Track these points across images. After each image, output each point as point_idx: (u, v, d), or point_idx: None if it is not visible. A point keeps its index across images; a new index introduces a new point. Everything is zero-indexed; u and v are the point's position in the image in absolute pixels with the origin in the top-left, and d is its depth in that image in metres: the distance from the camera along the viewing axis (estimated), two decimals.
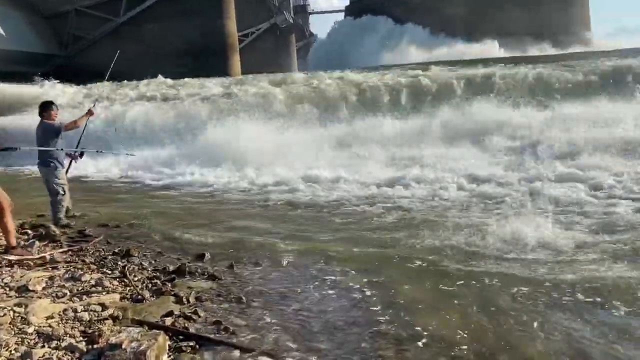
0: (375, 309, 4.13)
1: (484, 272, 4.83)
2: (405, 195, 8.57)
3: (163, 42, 31.96)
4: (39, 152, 7.13)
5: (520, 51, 37.00)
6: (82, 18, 32.39)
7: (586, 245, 5.50)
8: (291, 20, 53.68)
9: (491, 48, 41.35)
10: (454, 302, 4.22)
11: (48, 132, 7.13)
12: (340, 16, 62.85)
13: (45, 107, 7.27)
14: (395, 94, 17.15)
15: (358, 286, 4.60)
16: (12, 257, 5.24)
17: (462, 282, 4.61)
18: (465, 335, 3.64)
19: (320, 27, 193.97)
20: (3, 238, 5.53)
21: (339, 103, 16.97)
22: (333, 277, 4.83)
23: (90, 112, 7.49)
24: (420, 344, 3.55)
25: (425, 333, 3.68)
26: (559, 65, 18.10)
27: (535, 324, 3.78)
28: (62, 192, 7.23)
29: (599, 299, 4.18)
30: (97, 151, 8.61)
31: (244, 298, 4.40)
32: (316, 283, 4.71)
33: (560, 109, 14.43)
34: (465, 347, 3.48)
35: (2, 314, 3.76)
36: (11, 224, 5.48)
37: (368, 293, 4.44)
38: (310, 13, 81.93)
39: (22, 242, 5.81)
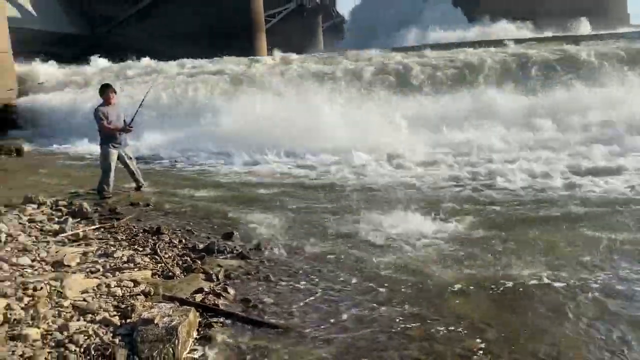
0: (405, 290, 4.12)
1: None
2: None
3: (189, 21, 31.99)
4: (99, 131, 7.64)
5: (560, 30, 35.73)
6: None
7: None
8: (318, 1, 53.11)
9: (524, 28, 40.19)
10: None
11: (95, 116, 7.54)
12: None
13: (103, 90, 7.66)
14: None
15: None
16: None
17: None
18: None
19: (347, 6, 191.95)
20: None
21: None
22: (364, 263, 4.83)
23: (127, 129, 7.73)
24: (443, 327, 3.54)
25: (449, 318, 3.67)
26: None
27: None
28: (104, 169, 7.60)
29: None
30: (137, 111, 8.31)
31: (272, 277, 4.45)
32: (346, 266, 4.71)
33: None
34: None
35: (39, 287, 3.88)
36: None
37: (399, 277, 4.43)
38: None
39: None
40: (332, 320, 3.67)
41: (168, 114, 15.02)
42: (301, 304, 3.95)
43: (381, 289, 4.15)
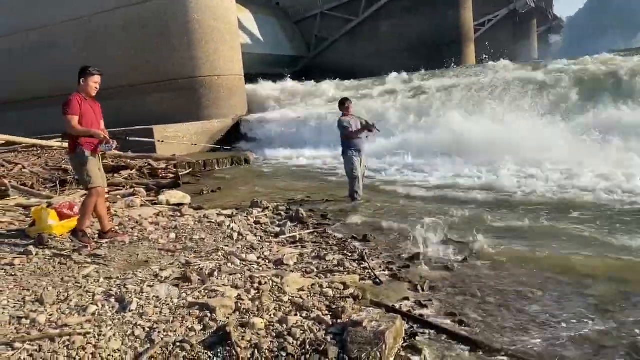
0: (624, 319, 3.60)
1: None
2: None
3: (395, 37, 32.77)
4: (342, 141, 8.32)
5: None
6: (325, 20, 35.21)
7: None
8: (532, 4, 49.59)
9: None
10: None
11: (338, 128, 8.23)
12: None
13: (341, 103, 8.35)
14: None
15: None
16: (104, 241, 5.89)
17: None
18: None
19: (566, 7, 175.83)
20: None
21: None
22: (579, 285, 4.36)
23: (370, 129, 8.21)
24: None
25: None
26: None
27: None
28: (351, 175, 8.22)
29: None
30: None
31: (478, 292, 4.28)
32: (558, 287, 4.30)
33: None
34: None
35: (264, 282, 4.34)
36: (104, 210, 6.02)
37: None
38: None
39: (115, 227, 6.39)
40: (545, 345, 3.37)
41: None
42: (511, 323, 3.71)
43: (608, 318, 3.69)
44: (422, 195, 8.76)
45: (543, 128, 11.39)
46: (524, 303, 4.05)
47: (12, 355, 3.14)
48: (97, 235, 6.02)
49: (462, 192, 8.59)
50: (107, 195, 6.37)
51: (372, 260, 5.15)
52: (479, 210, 7.25)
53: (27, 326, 3.56)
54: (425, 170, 11.01)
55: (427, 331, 3.62)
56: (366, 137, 8.34)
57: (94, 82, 5.71)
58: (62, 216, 6.20)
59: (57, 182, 9.68)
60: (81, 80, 5.71)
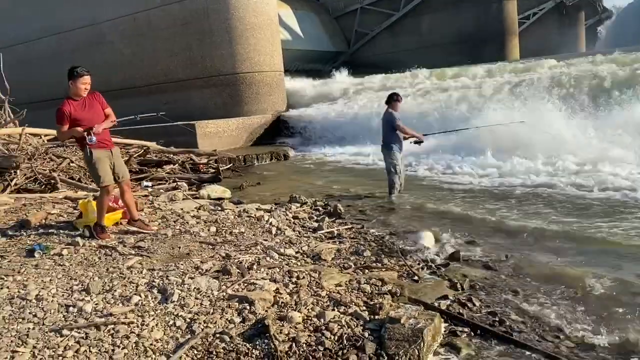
0: None
1: None
2: None
3: (437, 31, 32.29)
4: (383, 135, 8.26)
5: None
6: (365, 15, 35.00)
7: None
8: None
9: None
10: None
11: (388, 121, 8.16)
12: None
13: (390, 98, 8.28)
14: None
15: None
16: (133, 228, 5.99)
17: None
18: None
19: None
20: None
21: None
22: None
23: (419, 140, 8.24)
24: None
25: None
26: None
27: None
28: (393, 171, 8.17)
29: None
30: (440, 132, 9.48)
31: (520, 292, 4.19)
32: (607, 290, 4.16)
33: None
34: None
35: (301, 277, 4.37)
36: (131, 198, 6.08)
37: None
38: None
39: (143, 216, 6.46)
40: (587, 347, 3.28)
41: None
42: (553, 324, 3.62)
43: None
44: (464, 188, 8.64)
45: None
46: (568, 304, 3.94)
47: (61, 341, 3.27)
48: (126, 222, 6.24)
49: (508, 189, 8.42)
50: (150, 189, 6.52)
51: (411, 257, 5.11)
52: (528, 209, 7.09)
53: (74, 314, 3.69)
54: (474, 166, 10.69)
55: (466, 330, 3.57)
56: (410, 142, 8.28)
57: (83, 83, 5.46)
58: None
59: None
60: (70, 83, 5.45)
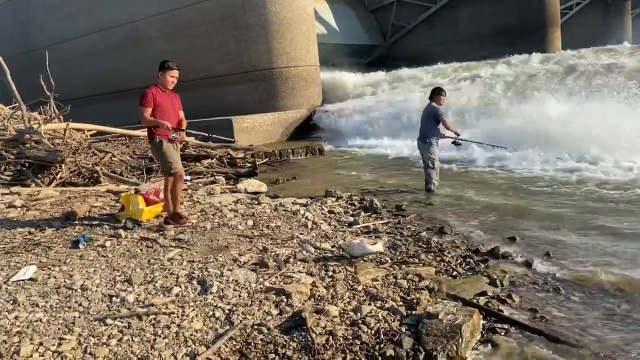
0: None
1: None
2: None
3: (475, 23, 31.59)
4: (422, 129, 8.21)
5: None
6: (402, 8, 34.58)
7: None
8: None
9: None
10: None
11: (431, 115, 8.08)
12: None
13: (435, 92, 8.21)
14: None
15: None
16: (170, 225, 5.97)
17: None
18: None
19: None
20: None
21: None
22: None
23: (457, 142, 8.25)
24: None
25: None
26: None
27: None
28: (431, 165, 8.12)
29: None
30: (475, 142, 9.58)
31: (562, 290, 4.08)
32: None
33: None
34: None
35: (338, 271, 4.37)
36: (181, 192, 6.15)
37: None
38: None
39: (183, 209, 6.48)
40: (631, 346, 3.18)
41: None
42: (597, 322, 3.52)
43: None
44: (500, 183, 8.46)
45: None
46: (610, 301, 3.83)
47: (105, 330, 3.37)
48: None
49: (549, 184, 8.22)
50: (188, 183, 6.61)
51: (449, 253, 5.05)
52: (568, 206, 6.91)
53: (117, 304, 3.80)
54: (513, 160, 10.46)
55: (506, 326, 3.51)
56: (450, 142, 8.24)
57: (171, 76, 5.92)
58: (148, 202, 6.53)
59: (144, 170, 10.23)
60: (159, 74, 5.94)
